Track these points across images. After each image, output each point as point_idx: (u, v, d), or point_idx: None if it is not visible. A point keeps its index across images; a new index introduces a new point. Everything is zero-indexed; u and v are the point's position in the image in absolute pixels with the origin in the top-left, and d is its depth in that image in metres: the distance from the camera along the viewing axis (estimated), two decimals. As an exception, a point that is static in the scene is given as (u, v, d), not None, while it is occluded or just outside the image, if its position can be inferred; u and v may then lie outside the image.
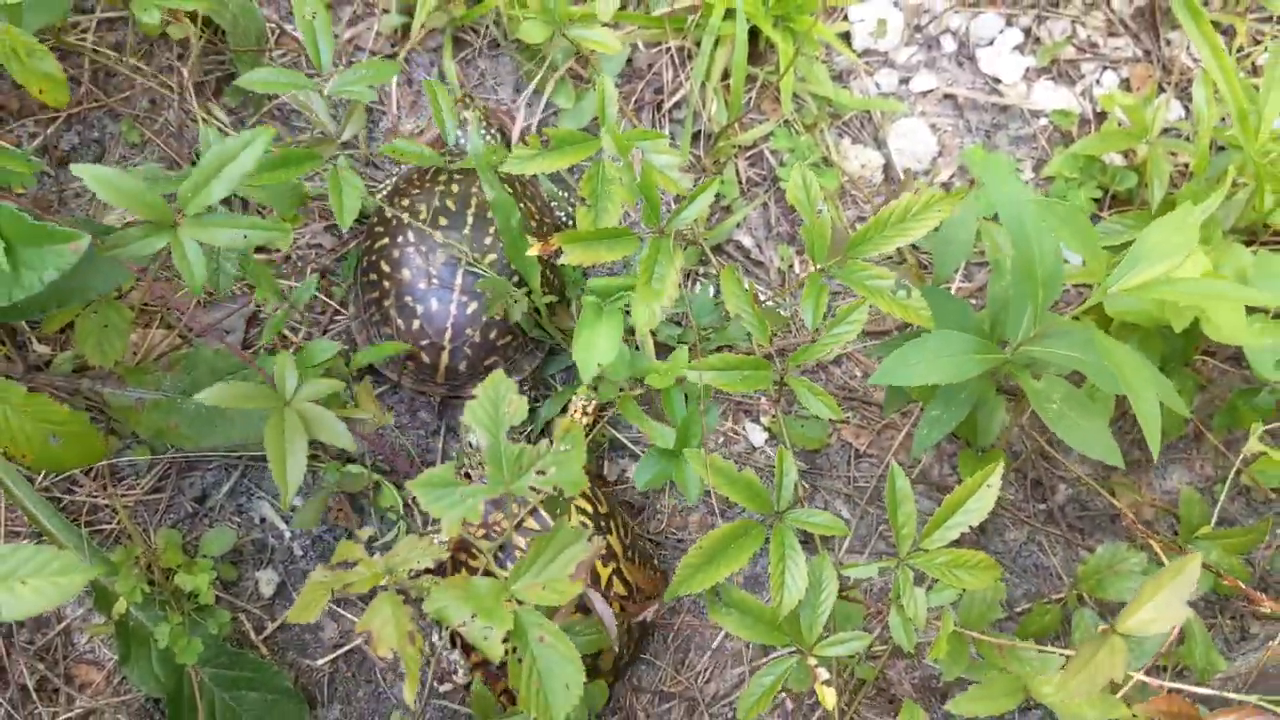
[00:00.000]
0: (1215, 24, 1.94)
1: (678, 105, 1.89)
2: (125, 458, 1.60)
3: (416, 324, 1.56)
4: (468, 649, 1.48)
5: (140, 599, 1.36)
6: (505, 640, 1.08)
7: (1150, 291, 1.20)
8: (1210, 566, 1.39)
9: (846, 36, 1.98)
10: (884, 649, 1.53)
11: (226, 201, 1.68)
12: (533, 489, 1.13)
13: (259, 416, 1.53)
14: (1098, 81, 2.01)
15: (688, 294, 1.77)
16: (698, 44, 1.85)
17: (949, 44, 2.01)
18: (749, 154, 1.89)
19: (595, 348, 1.33)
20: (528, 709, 1.10)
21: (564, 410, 1.65)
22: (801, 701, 1.63)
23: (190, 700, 1.44)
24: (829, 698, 1.19)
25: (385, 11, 1.86)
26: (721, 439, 1.75)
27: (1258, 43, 2.01)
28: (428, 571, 1.19)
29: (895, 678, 1.67)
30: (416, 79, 1.87)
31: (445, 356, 1.57)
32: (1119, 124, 1.90)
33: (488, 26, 1.88)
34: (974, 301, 1.85)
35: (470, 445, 1.59)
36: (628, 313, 1.45)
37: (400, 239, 1.57)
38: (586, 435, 1.61)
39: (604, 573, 1.45)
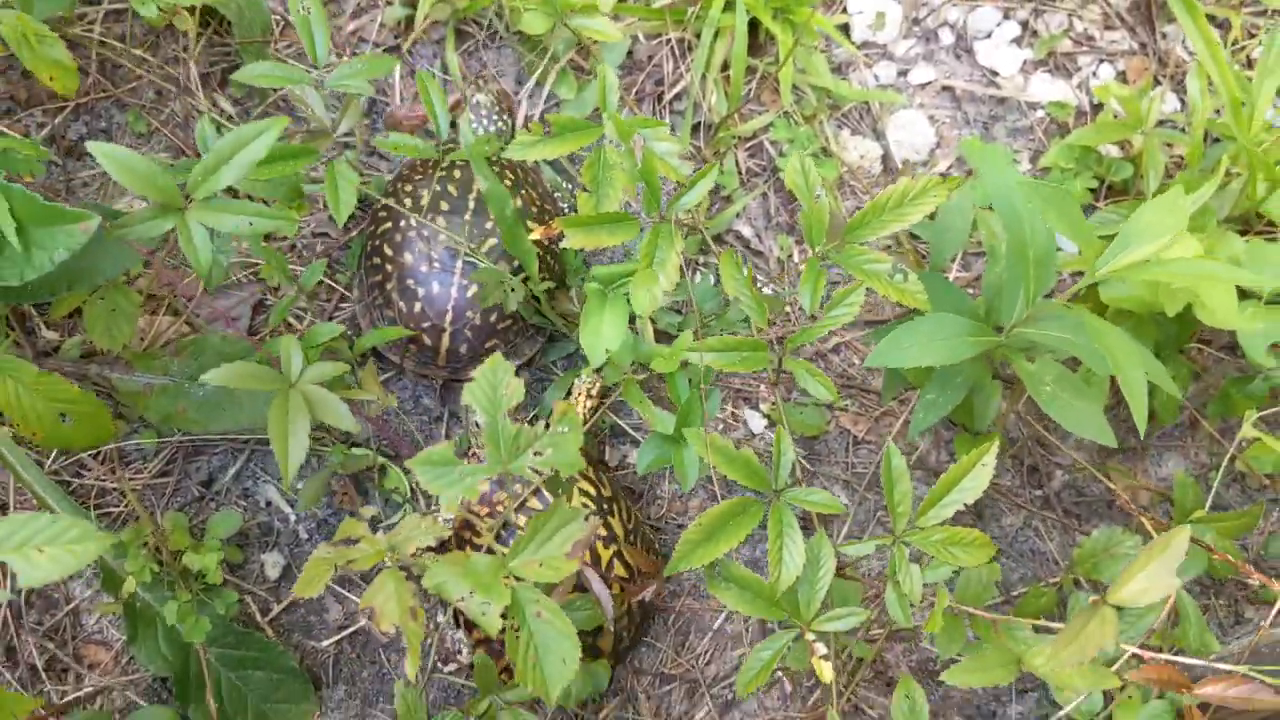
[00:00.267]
0: (1211, 18, 1.97)
1: (678, 96, 1.91)
2: (132, 442, 1.62)
3: (418, 306, 1.59)
4: (470, 627, 1.50)
5: (149, 578, 1.39)
6: (503, 616, 1.10)
7: (1141, 272, 1.22)
8: (1200, 541, 1.41)
9: (845, 29, 2.00)
10: (881, 631, 1.55)
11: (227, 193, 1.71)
12: (533, 470, 1.16)
13: (265, 401, 1.54)
14: (1094, 74, 2.03)
15: (689, 282, 1.79)
16: (698, 36, 1.87)
17: (947, 37, 2.03)
18: (749, 145, 1.91)
19: (602, 334, 1.35)
20: (525, 682, 1.12)
21: (568, 395, 1.67)
22: (800, 683, 1.65)
23: (197, 679, 1.46)
24: (826, 672, 1.21)
25: (389, 4, 1.89)
26: (721, 426, 1.77)
27: (1252, 36, 2.03)
28: (430, 550, 1.21)
29: (893, 660, 1.68)
30: (417, 70, 1.89)
31: (446, 339, 1.59)
32: (1114, 116, 1.92)
33: (490, 18, 1.90)
34: (971, 291, 1.87)
35: (475, 425, 1.61)
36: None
37: (403, 223, 1.60)
38: (588, 420, 1.63)
39: (605, 554, 1.47)
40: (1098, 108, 2.00)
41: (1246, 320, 1.50)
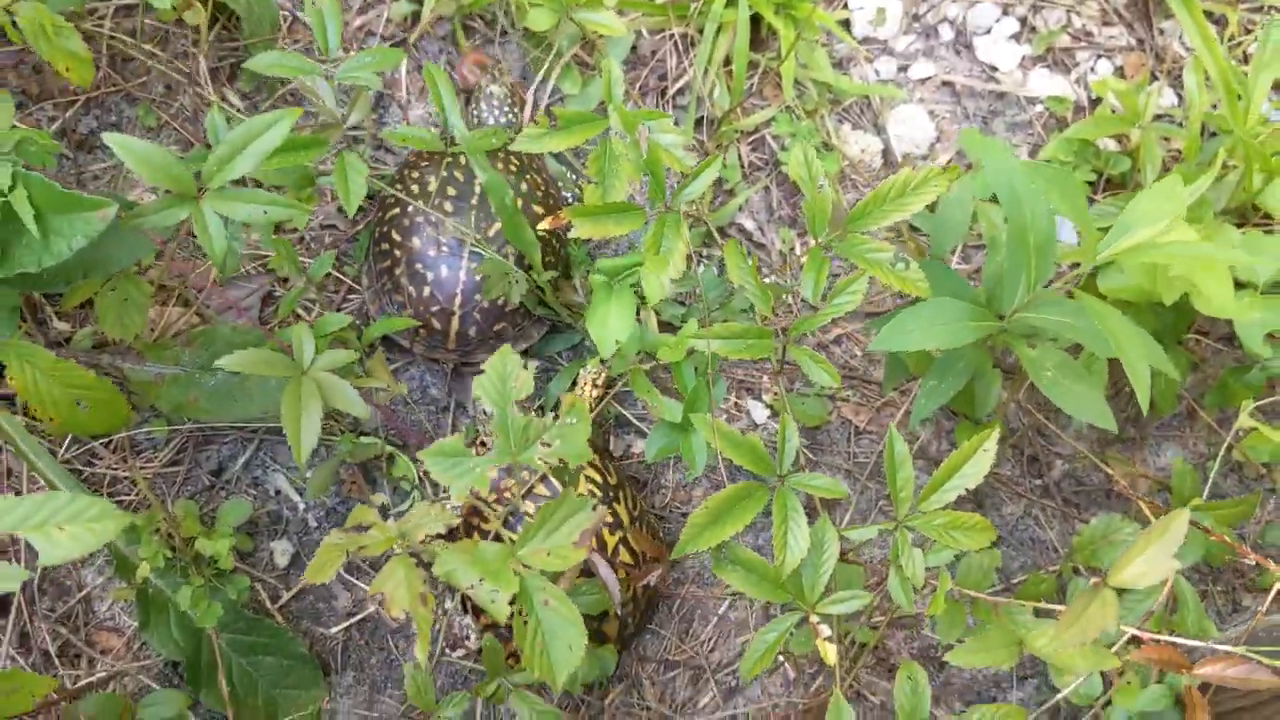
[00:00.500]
0: (1208, 14, 1.99)
1: (681, 91, 1.94)
2: (143, 430, 1.64)
3: (427, 290, 1.61)
4: (479, 613, 1.52)
5: (162, 564, 1.41)
6: (511, 603, 1.12)
7: (1139, 255, 1.24)
8: (1199, 524, 1.43)
9: (846, 24, 2.02)
10: (883, 619, 1.57)
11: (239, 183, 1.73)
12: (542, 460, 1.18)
13: (275, 390, 1.57)
14: (1092, 69, 2.05)
15: (693, 273, 1.80)
16: (700, 31, 1.90)
17: (946, 32, 2.06)
18: (751, 139, 1.93)
19: (610, 325, 1.37)
20: (532, 668, 1.14)
21: (573, 385, 1.69)
22: (803, 670, 1.67)
23: (209, 664, 1.48)
24: (830, 653, 1.23)
25: (395, -1, 1.91)
26: (724, 416, 1.79)
27: (1248, 32, 2.06)
28: (439, 537, 1.23)
29: (894, 647, 1.71)
30: (425, 64, 1.91)
31: (455, 322, 1.61)
32: (1112, 110, 1.94)
33: (495, 14, 1.92)
34: (971, 283, 1.88)
35: (484, 414, 1.63)
36: (639, 297, 1.50)
37: (410, 208, 1.62)
38: (594, 410, 1.65)
39: (611, 540, 1.49)
40: (1096, 103, 2.03)
41: (1243, 309, 1.52)
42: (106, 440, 1.62)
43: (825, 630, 1.24)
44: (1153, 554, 1.12)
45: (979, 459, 1.28)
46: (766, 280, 1.85)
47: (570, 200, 1.80)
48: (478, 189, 1.63)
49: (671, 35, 1.93)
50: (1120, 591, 1.13)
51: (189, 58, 1.82)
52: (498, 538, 1.39)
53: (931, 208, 1.73)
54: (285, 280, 1.74)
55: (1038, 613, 1.38)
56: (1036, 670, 1.71)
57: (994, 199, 1.88)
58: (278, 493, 1.67)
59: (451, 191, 1.62)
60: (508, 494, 1.47)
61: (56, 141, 1.67)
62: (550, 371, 1.77)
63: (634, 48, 1.95)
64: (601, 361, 1.68)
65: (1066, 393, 1.44)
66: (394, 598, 1.13)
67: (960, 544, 1.27)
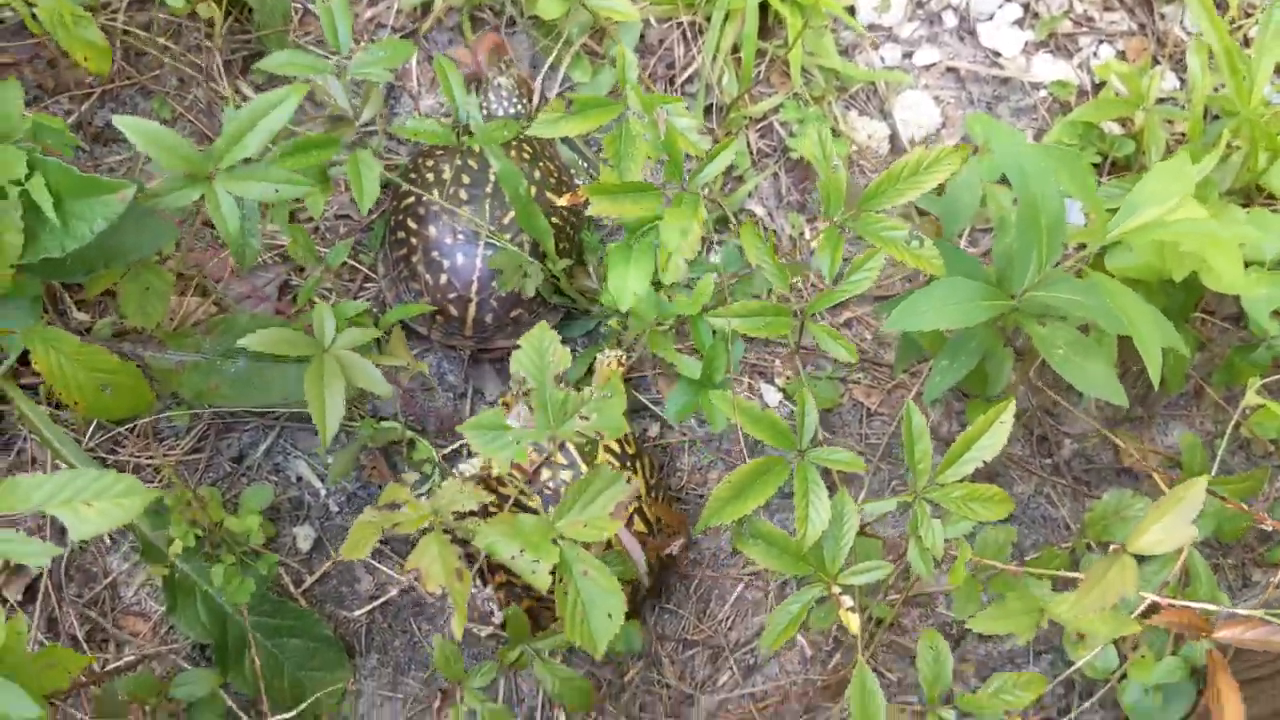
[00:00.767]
0: (1208, -4, 2.01)
1: (689, 80, 1.96)
2: (165, 416, 1.65)
3: (444, 278, 1.62)
4: (499, 587, 1.54)
5: (193, 543, 1.42)
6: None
7: (1149, 233, 1.26)
8: (1215, 492, 1.45)
9: (851, 11, 2.04)
10: (898, 597, 1.59)
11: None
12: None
13: (295, 377, 1.58)
14: (1094, 54, 2.07)
15: (701, 260, 1.82)
16: (708, 19, 1.91)
17: (950, 19, 2.08)
18: (759, 126, 1.96)
19: (629, 280, 1.39)
20: (573, 637, 1.16)
21: (589, 371, 1.71)
22: (820, 647, 1.69)
23: (236, 645, 1.49)
24: (853, 623, 1.25)
25: (405, -11, 1.93)
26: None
27: (1249, 15, 2.08)
28: (472, 513, 1.25)
29: (910, 625, 1.73)
30: (435, 56, 1.92)
31: (473, 309, 1.63)
32: (1116, 93, 1.97)
33: (504, 3, 1.94)
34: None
35: (516, 389, 1.65)
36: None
37: (426, 196, 1.63)
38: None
39: (626, 510, 1.51)
40: (1099, 87, 2.05)
41: (1251, 285, 1.54)
42: (130, 428, 1.64)
43: (848, 601, 1.26)
44: (1170, 521, 1.14)
45: (996, 431, 1.30)
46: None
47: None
48: (492, 177, 1.65)
49: (679, 23, 1.95)
50: (1139, 560, 1.16)
51: (202, 51, 1.84)
52: (518, 504, 1.41)
53: (940, 191, 1.76)
54: (302, 269, 1.76)
55: (1054, 584, 1.40)
56: (1051, 646, 1.73)
57: (1002, 181, 1.91)
58: (299, 479, 1.69)
59: (466, 180, 1.64)
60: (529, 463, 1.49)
61: (72, 135, 1.69)
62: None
63: (642, 36, 1.97)
64: (618, 342, 1.70)
65: (1078, 370, 1.46)
66: (430, 573, 1.14)
67: (979, 515, 1.29)
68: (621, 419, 1.17)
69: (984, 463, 1.30)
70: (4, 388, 1.54)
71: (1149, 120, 1.86)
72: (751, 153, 1.93)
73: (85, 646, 1.55)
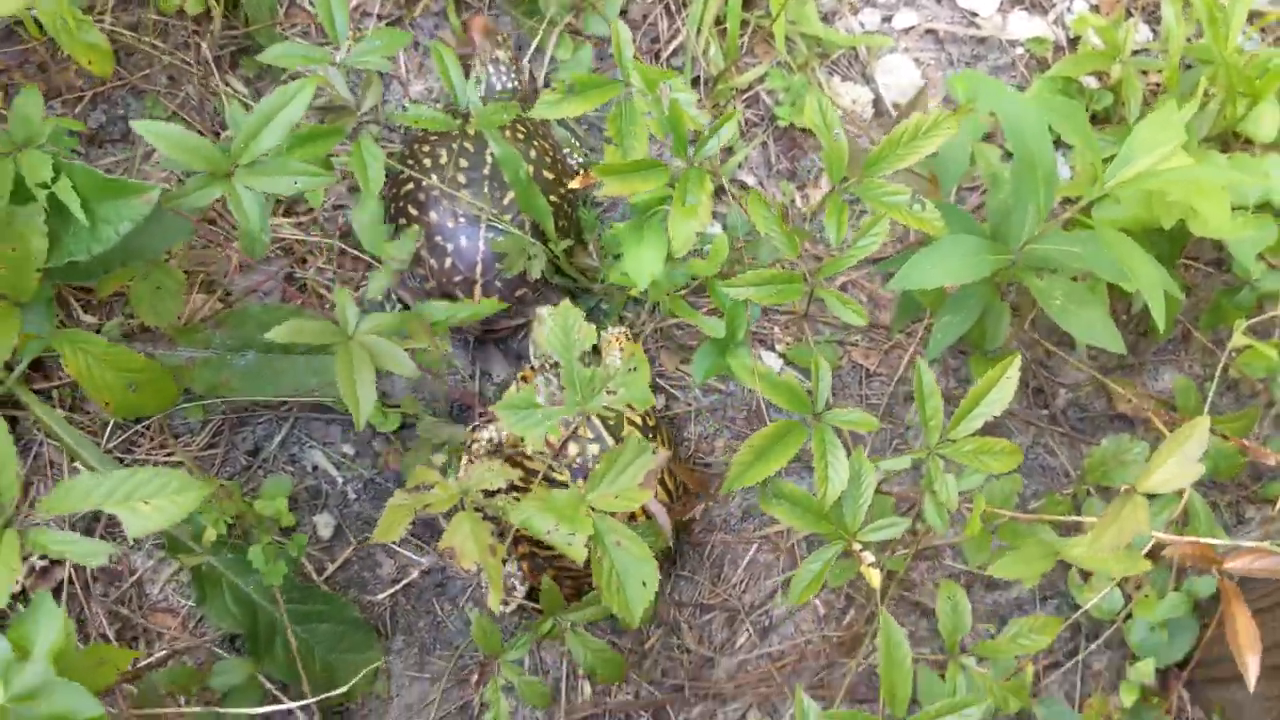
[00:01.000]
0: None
1: (674, 53, 1.98)
2: (180, 410, 1.66)
3: (449, 261, 1.64)
4: (521, 562, 1.57)
5: (224, 529, 1.45)
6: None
7: (1144, 182, 1.30)
8: (1216, 430, 1.50)
9: (830, -22, 2.07)
10: (907, 552, 1.63)
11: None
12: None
13: (305, 367, 1.61)
14: (1069, 9, 2.11)
15: (704, 233, 1.85)
16: (691, -8, 1.94)
17: (926, -19, 2.11)
18: (745, 96, 1.98)
19: (644, 259, 1.41)
20: (610, 605, 1.20)
21: (595, 350, 1.73)
22: (833, 605, 1.74)
23: (266, 633, 1.52)
24: (875, 578, 1.29)
25: (390, -24, 1.93)
26: (740, 366, 1.84)
27: (1217, -36, 2.12)
28: (499, 491, 1.28)
29: (918, 579, 1.77)
30: (421, 41, 1.94)
31: (478, 291, 1.65)
32: (1092, 47, 2.00)
33: (488, -13, 1.96)
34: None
35: (532, 363, 1.67)
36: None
37: (425, 181, 1.65)
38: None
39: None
40: (1074, 42, 2.08)
41: (1237, 228, 1.58)
42: (145, 426, 1.65)
43: (869, 557, 1.30)
44: (1178, 460, 1.19)
45: (1003, 385, 1.34)
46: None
47: (577, 165, 1.83)
48: (489, 159, 1.66)
49: (662, -1, 1.97)
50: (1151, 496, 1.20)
51: (190, 48, 1.84)
52: (553, 482, 1.44)
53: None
54: (304, 261, 1.78)
55: (1060, 531, 1.45)
56: (1056, 592, 1.78)
57: (986, 138, 1.94)
58: (315, 468, 1.71)
59: (464, 163, 1.66)
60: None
61: (69, 138, 1.69)
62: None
63: (624, 11, 1.98)
64: (620, 319, 1.73)
65: (1075, 318, 1.50)
66: (464, 550, 1.17)
67: (990, 467, 1.33)
68: (648, 391, 1.20)
69: (993, 417, 1.34)
70: (18, 393, 1.55)
71: (1126, 72, 1.90)
72: (740, 123, 1.96)
73: (116, 644, 1.57)
